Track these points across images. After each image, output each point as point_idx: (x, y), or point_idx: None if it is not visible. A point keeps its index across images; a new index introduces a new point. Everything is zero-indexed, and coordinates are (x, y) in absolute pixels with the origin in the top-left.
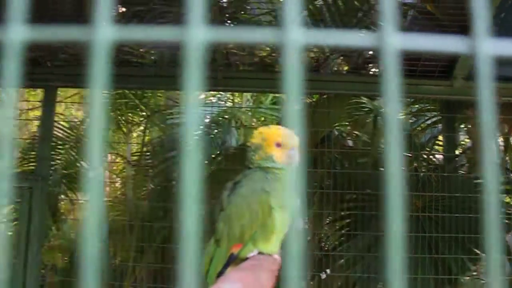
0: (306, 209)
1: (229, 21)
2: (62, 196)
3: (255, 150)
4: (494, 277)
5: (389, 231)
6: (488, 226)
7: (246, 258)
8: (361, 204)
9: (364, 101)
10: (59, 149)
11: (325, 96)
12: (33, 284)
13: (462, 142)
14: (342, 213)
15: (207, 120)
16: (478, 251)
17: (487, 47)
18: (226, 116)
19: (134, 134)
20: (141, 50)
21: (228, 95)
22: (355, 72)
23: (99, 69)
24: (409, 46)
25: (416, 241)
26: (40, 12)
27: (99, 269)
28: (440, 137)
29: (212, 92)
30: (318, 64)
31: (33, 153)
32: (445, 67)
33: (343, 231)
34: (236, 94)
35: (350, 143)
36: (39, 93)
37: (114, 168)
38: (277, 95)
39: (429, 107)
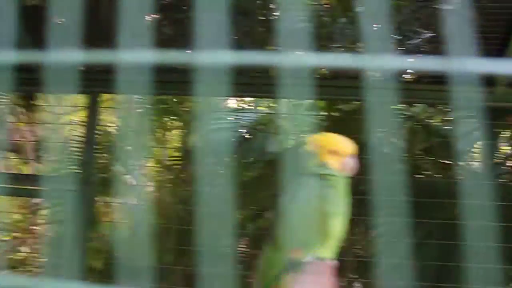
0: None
1: None
2: (99, 199)
3: (310, 157)
4: None
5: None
6: None
7: (304, 263)
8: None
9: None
10: (98, 153)
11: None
12: None
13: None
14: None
15: (246, 126)
16: None
17: None
18: (265, 122)
19: (171, 139)
20: None
21: (266, 102)
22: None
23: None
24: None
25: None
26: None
27: (136, 272)
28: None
29: (250, 99)
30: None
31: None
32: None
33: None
34: (273, 100)
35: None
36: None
37: (152, 172)
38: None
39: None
